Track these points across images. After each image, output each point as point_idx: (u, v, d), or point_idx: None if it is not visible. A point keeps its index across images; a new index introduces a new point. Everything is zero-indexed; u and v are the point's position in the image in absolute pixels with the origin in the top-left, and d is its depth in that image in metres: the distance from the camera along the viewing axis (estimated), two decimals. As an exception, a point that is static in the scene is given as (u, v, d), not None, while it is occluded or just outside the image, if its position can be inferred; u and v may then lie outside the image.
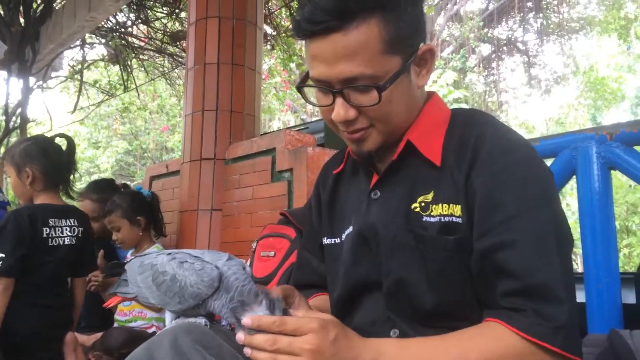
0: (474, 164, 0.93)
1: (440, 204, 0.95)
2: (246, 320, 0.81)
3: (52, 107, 13.87)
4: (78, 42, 6.07)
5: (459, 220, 0.92)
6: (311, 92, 1.04)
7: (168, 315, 0.99)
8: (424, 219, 0.95)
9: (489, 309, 0.89)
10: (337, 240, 1.12)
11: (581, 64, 16.60)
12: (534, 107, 18.16)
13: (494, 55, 16.65)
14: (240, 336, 0.83)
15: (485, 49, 16.71)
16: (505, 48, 16.90)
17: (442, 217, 0.94)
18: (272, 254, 1.98)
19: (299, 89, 1.03)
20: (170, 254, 0.98)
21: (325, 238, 1.17)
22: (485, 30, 15.71)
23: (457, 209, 0.93)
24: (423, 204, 0.96)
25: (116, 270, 1.09)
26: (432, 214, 0.95)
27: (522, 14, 15.81)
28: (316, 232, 1.23)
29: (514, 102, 17.45)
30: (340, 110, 0.96)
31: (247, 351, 0.82)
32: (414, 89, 1.00)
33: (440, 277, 0.94)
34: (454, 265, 0.93)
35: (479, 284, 0.91)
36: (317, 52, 0.93)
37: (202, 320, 0.93)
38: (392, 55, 0.93)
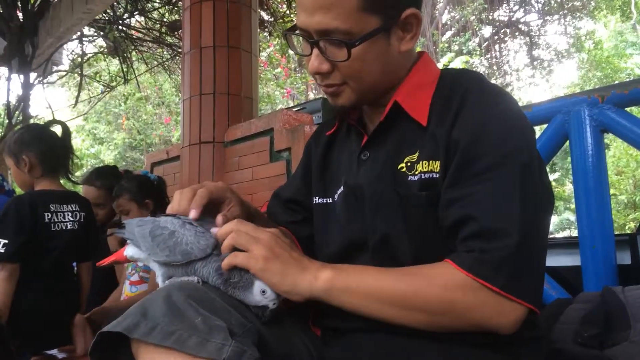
0: (456, 121, 0.93)
1: (421, 162, 0.95)
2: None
3: (54, 102, 13.85)
4: (76, 36, 6.08)
5: (437, 176, 0.93)
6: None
7: (157, 269, 1.00)
8: (409, 179, 0.96)
9: None
10: (329, 200, 1.13)
11: (585, 43, 16.42)
12: (538, 88, 18.01)
13: (496, 37, 16.49)
14: (214, 230, 0.96)
15: (487, 32, 16.56)
16: (507, 30, 16.72)
17: (423, 174, 0.94)
18: (270, 230, 1.99)
19: (285, 35, 1.05)
20: (176, 215, 1.00)
21: (316, 197, 1.18)
22: (488, 12, 15.54)
23: (436, 165, 0.93)
24: (409, 164, 0.97)
25: (119, 227, 1.11)
26: (415, 172, 0.95)
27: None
28: (296, 187, 1.25)
29: (517, 83, 17.29)
30: (314, 62, 0.97)
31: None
32: (393, 53, 0.99)
33: (420, 233, 0.95)
34: (431, 221, 0.93)
35: (445, 234, 0.92)
36: None
37: (194, 279, 0.95)
38: (371, 14, 0.93)
